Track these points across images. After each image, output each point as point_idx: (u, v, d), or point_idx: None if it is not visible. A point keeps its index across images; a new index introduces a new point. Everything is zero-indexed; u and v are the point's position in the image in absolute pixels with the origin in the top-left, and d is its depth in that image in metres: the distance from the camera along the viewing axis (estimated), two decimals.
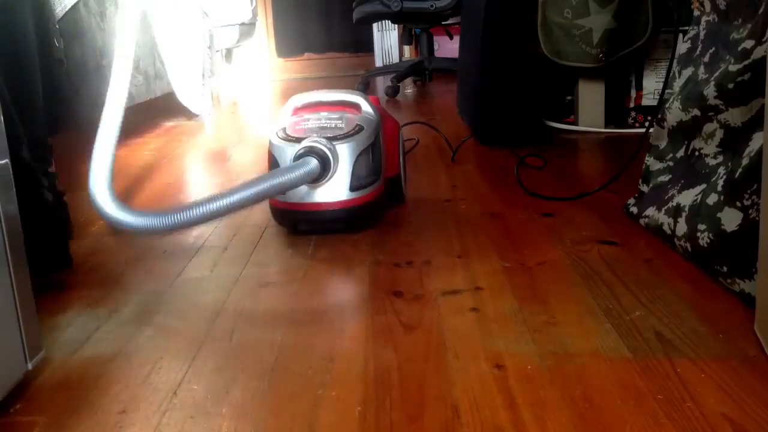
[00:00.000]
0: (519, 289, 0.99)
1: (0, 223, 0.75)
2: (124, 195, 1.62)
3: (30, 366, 0.80)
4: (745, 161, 0.91)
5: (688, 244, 1.02)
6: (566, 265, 1.06)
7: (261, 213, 1.41)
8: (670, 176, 1.16)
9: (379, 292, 1.01)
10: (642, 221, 1.19)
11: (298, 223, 1.27)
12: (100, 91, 1.92)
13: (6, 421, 0.74)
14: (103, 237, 1.32)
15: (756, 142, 0.91)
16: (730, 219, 0.91)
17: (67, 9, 1.74)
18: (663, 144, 1.20)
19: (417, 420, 0.69)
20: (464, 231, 1.25)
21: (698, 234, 0.98)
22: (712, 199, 0.95)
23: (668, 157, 1.18)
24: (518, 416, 0.69)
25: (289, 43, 4.61)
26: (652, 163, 1.22)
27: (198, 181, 1.75)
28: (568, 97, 2.10)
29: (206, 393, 0.77)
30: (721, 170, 0.99)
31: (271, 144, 1.27)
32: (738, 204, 0.90)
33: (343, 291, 1.02)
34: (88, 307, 1.01)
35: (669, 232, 1.08)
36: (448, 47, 3.96)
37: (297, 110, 1.34)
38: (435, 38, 3.95)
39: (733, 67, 0.95)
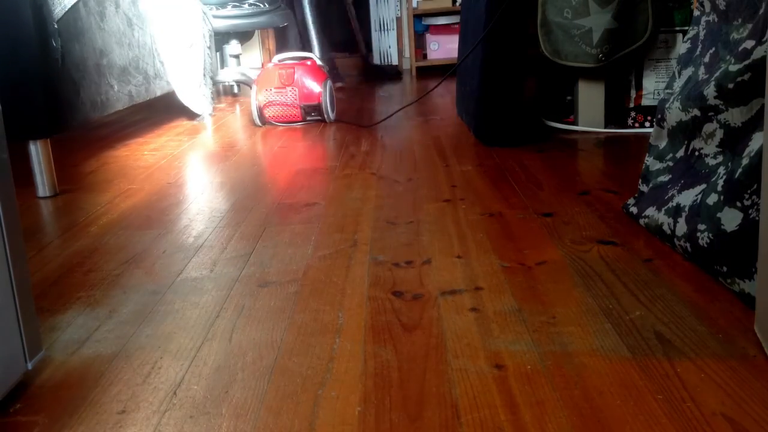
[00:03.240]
0: (519, 289, 0.99)
1: (0, 224, 0.75)
2: (125, 195, 1.62)
3: (30, 366, 0.80)
4: (745, 161, 0.91)
5: (688, 244, 1.02)
6: (566, 265, 1.06)
7: (261, 213, 1.42)
8: (670, 176, 1.16)
9: (379, 292, 1.01)
10: (642, 221, 1.19)
11: None
12: (100, 91, 1.93)
13: (6, 421, 0.74)
14: (103, 237, 1.32)
15: (756, 142, 0.91)
16: (730, 219, 0.91)
17: (66, 9, 1.74)
18: (663, 144, 1.20)
19: (417, 420, 0.69)
20: (464, 231, 1.25)
21: (698, 234, 0.98)
22: (712, 199, 0.95)
23: (668, 157, 1.18)
24: (518, 416, 0.69)
25: (289, 43, 4.61)
26: (652, 163, 1.22)
27: (198, 181, 1.74)
28: (568, 97, 2.10)
29: (206, 393, 0.77)
30: (721, 170, 0.99)
31: None
32: (738, 204, 0.90)
33: (342, 291, 1.02)
34: (88, 307, 1.01)
35: (669, 232, 1.08)
36: (448, 47, 3.96)
37: None
38: (435, 38, 3.96)
39: (733, 67, 0.95)
